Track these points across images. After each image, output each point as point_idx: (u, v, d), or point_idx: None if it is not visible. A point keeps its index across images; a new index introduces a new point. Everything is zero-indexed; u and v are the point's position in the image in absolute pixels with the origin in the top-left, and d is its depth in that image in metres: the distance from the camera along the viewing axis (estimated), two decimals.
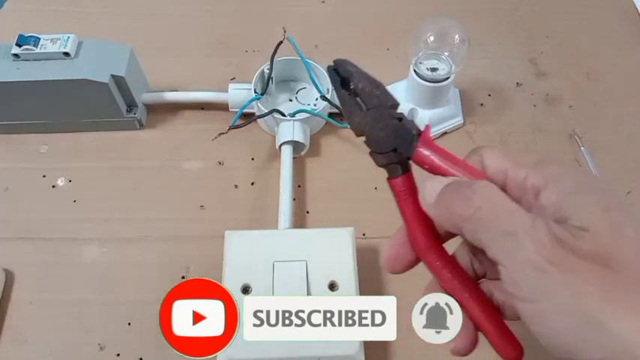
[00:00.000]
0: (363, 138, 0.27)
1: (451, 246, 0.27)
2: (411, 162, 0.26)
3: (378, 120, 0.26)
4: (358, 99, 0.27)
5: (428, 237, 0.26)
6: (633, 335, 0.19)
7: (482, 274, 0.27)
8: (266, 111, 0.50)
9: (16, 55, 0.48)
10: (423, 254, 0.26)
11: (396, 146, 0.26)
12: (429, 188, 0.25)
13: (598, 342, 0.20)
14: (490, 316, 0.25)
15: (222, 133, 0.49)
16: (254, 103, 0.51)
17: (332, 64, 0.28)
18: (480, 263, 0.27)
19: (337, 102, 0.52)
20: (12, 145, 0.53)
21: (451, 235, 0.26)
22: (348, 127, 0.51)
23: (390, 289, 0.45)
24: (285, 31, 0.51)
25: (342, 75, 0.27)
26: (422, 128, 0.26)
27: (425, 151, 0.25)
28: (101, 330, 0.42)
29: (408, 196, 0.26)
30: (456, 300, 0.26)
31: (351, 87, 0.27)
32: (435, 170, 0.25)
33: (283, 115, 0.51)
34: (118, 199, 0.49)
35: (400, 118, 0.26)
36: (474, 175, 0.25)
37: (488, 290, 0.26)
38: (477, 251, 0.26)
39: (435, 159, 0.25)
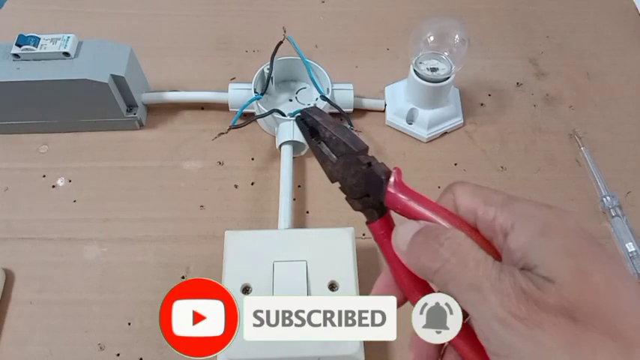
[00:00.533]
0: (337, 184, 0.27)
1: None
2: (385, 209, 0.26)
3: (347, 167, 0.26)
4: (328, 148, 0.27)
5: (412, 277, 0.25)
6: None
7: None
8: (266, 111, 0.50)
9: (16, 55, 0.48)
10: (409, 294, 0.26)
11: (368, 191, 0.26)
12: (400, 235, 0.25)
13: None
14: (479, 354, 0.24)
15: (223, 133, 0.49)
16: (254, 103, 0.51)
17: (300, 115, 0.28)
18: None
19: (337, 102, 0.52)
20: (12, 145, 0.53)
21: None
22: (349, 127, 0.51)
23: None
24: (285, 31, 0.51)
25: (309, 125, 0.28)
26: (392, 168, 0.26)
27: (396, 195, 0.25)
28: (101, 330, 0.42)
29: (386, 238, 0.26)
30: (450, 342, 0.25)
31: (320, 135, 0.27)
32: (407, 213, 0.25)
33: (283, 115, 0.51)
34: (118, 199, 0.49)
35: (369, 162, 0.26)
36: (446, 217, 0.24)
37: None
38: None
39: (407, 202, 0.25)
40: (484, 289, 0.21)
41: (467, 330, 0.25)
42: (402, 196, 0.25)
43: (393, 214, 0.26)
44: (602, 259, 0.21)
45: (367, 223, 0.27)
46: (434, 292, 0.26)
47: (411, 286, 0.26)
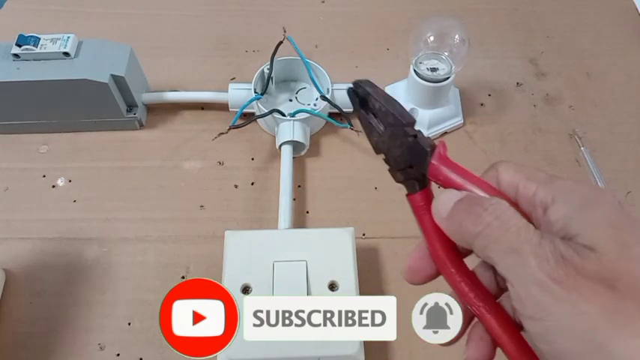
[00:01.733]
0: (382, 156, 0.28)
1: (472, 261, 0.27)
2: (428, 178, 0.27)
3: (394, 138, 0.27)
4: (377, 119, 0.28)
5: (447, 251, 0.26)
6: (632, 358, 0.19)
7: (505, 288, 0.26)
8: (266, 111, 0.50)
9: (16, 55, 0.48)
10: (442, 267, 0.26)
11: (412, 163, 0.27)
12: (442, 202, 0.25)
13: None
14: (508, 330, 0.25)
15: (223, 133, 0.49)
16: (254, 103, 0.51)
17: (352, 85, 0.29)
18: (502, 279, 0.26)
19: (337, 102, 0.52)
20: (12, 145, 0.53)
21: (470, 251, 0.26)
22: (348, 127, 0.51)
23: (390, 289, 0.45)
24: (285, 31, 0.51)
25: (360, 95, 0.28)
26: (434, 141, 0.27)
27: (439, 167, 0.26)
28: (101, 330, 0.42)
29: (426, 211, 0.26)
30: (475, 314, 0.25)
31: (370, 107, 0.28)
32: (449, 185, 0.26)
33: (283, 115, 0.51)
34: (118, 199, 0.49)
35: (415, 135, 0.27)
36: (487, 190, 0.25)
37: (511, 306, 0.26)
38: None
39: (450, 174, 0.26)
40: (524, 253, 0.21)
41: (496, 308, 0.25)
42: (446, 168, 0.26)
43: (434, 188, 0.27)
44: None
45: (407, 195, 0.27)
46: (467, 268, 0.26)
47: (446, 260, 0.26)
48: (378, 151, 0.28)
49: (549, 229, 0.22)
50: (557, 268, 0.20)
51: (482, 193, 0.25)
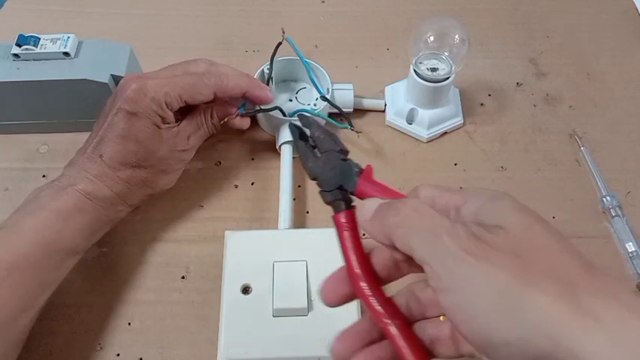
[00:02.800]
0: (317, 180, 0.31)
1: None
2: (354, 202, 0.30)
3: (328, 162, 0.31)
4: (314, 148, 0.32)
5: (364, 268, 0.28)
6: (542, 311, 0.21)
7: (417, 314, 0.29)
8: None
9: (16, 55, 0.48)
10: (356, 283, 0.28)
11: (342, 183, 0.30)
12: (367, 206, 0.28)
13: (512, 319, 0.22)
14: (415, 349, 0.26)
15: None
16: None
17: (292, 122, 0.34)
18: (417, 302, 0.29)
19: (337, 102, 0.52)
20: (12, 145, 0.53)
21: (387, 280, 0.29)
22: (349, 128, 0.51)
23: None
24: (283, 32, 0.51)
25: (302, 128, 0.34)
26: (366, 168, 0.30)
27: (366, 186, 0.29)
28: (101, 330, 0.42)
29: (348, 229, 0.29)
30: (383, 331, 0.27)
31: (309, 137, 0.33)
32: None
33: (284, 114, 0.51)
34: None
35: (345, 159, 0.31)
36: None
37: (423, 331, 0.28)
38: (409, 264, 0.28)
39: (375, 193, 0.29)
40: (439, 234, 0.24)
41: (405, 327, 0.27)
42: (372, 187, 0.29)
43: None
44: (541, 218, 0.25)
45: (333, 215, 0.30)
46: (380, 287, 0.29)
47: (361, 276, 0.28)
48: (312, 175, 0.31)
49: (463, 222, 0.25)
50: (469, 242, 0.23)
51: None
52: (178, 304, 0.44)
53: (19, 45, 0.47)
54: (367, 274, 0.28)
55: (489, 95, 0.58)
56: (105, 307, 0.44)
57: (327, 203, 0.30)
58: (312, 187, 0.51)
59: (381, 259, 0.29)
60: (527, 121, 0.56)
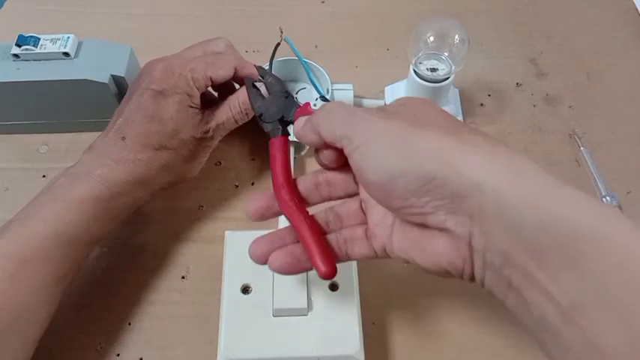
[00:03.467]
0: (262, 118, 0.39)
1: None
2: (290, 132, 0.36)
3: (273, 100, 0.40)
4: (265, 90, 0.41)
5: (287, 181, 0.35)
6: (430, 141, 0.27)
7: (336, 227, 0.35)
8: None
9: (16, 55, 0.48)
10: (278, 189, 0.34)
11: (283, 114, 0.38)
12: (299, 120, 0.34)
13: (407, 151, 0.27)
14: (316, 238, 0.32)
15: None
16: None
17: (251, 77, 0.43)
18: (335, 216, 0.35)
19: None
20: (12, 145, 0.53)
21: (307, 202, 0.35)
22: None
23: (390, 289, 0.45)
24: (282, 32, 0.51)
25: (254, 81, 0.43)
26: None
27: (301, 112, 0.36)
28: (101, 330, 0.42)
29: (280, 151, 0.36)
30: (292, 221, 0.33)
31: (260, 83, 0.42)
32: None
33: None
34: None
35: (287, 96, 0.39)
36: None
37: (339, 235, 0.34)
38: (328, 184, 0.35)
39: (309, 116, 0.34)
40: (355, 111, 0.31)
41: (311, 220, 0.33)
42: (306, 113, 0.35)
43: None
44: (437, 105, 0.32)
45: (269, 139, 0.37)
46: (298, 191, 0.35)
47: (282, 183, 0.35)
48: (258, 112, 0.39)
49: None
50: (378, 112, 0.30)
51: None
52: (178, 304, 0.44)
53: (19, 45, 0.47)
54: (289, 187, 0.34)
55: (489, 95, 0.58)
56: (105, 307, 0.44)
57: (267, 133, 0.37)
58: None
59: (304, 184, 0.35)
60: (527, 121, 0.56)
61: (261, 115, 0.39)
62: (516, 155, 0.26)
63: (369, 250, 0.33)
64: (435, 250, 0.29)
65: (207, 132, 0.44)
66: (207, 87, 0.44)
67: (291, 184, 0.35)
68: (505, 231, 0.25)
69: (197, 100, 0.43)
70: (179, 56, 0.44)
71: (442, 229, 0.28)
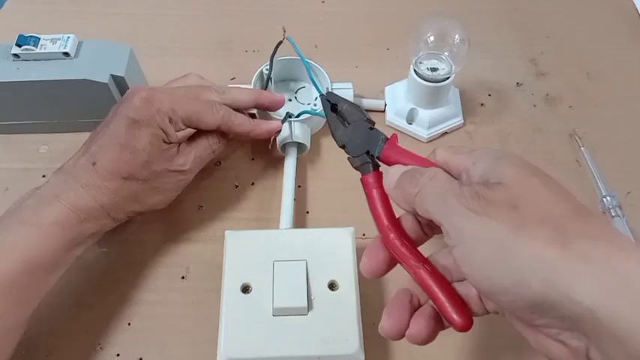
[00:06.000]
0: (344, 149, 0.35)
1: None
2: (380, 164, 0.33)
3: (356, 129, 0.35)
4: (344, 119, 0.36)
5: (392, 221, 0.32)
6: (534, 257, 0.24)
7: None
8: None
9: (16, 55, 0.48)
10: (386, 234, 0.31)
11: (368, 149, 0.33)
12: (391, 174, 0.31)
13: (508, 266, 0.24)
14: (443, 287, 0.29)
15: None
16: None
17: (323, 95, 0.37)
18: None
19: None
20: (12, 145, 0.53)
21: (416, 243, 0.32)
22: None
23: (390, 289, 0.45)
24: (284, 31, 0.51)
25: (332, 101, 0.37)
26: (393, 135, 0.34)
27: (390, 151, 0.33)
28: (101, 330, 0.42)
29: (375, 187, 0.32)
30: (412, 273, 0.30)
31: (338, 110, 0.36)
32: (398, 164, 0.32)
33: (290, 116, 0.50)
34: None
35: (372, 128, 0.34)
36: (427, 165, 0.31)
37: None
38: (432, 227, 0.32)
39: (399, 157, 0.32)
40: (448, 196, 0.27)
41: (432, 268, 0.30)
42: (395, 152, 0.33)
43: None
44: (540, 171, 0.27)
45: (361, 177, 0.33)
46: (406, 234, 0.31)
47: (389, 226, 0.31)
48: (340, 142, 0.35)
49: (471, 183, 0.28)
50: (472, 201, 0.26)
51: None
52: (178, 304, 0.44)
53: (19, 45, 0.47)
54: (396, 227, 0.31)
55: (489, 95, 0.58)
56: (105, 307, 0.44)
57: (356, 168, 0.34)
58: (312, 187, 0.51)
59: (408, 224, 0.32)
60: (527, 121, 0.56)
61: (344, 146, 0.35)
62: (636, 267, 0.22)
63: (484, 310, 0.30)
64: (548, 348, 0.26)
65: (183, 165, 0.43)
66: (187, 128, 0.43)
67: (398, 226, 0.32)
68: (628, 357, 0.22)
69: (173, 139, 0.42)
70: (166, 91, 0.43)
71: (556, 340, 0.25)
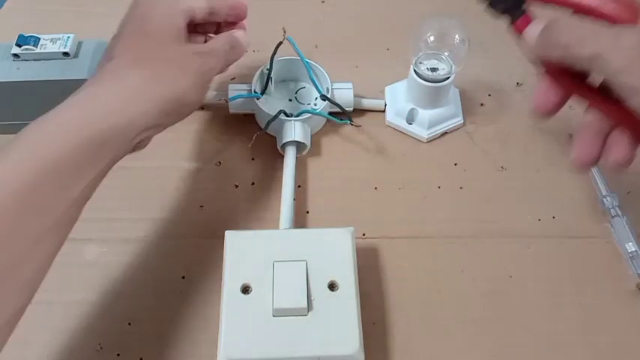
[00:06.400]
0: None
1: None
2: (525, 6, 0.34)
3: None
4: None
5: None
6: None
7: None
8: (265, 110, 0.50)
9: (16, 55, 0.48)
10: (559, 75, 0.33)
11: None
12: (528, 35, 0.33)
13: None
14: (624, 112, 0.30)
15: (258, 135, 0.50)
16: (255, 104, 0.52)
17: None
18: None
19: (337, 100, 0.52)
20: None
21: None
22: (349, 122, 0.51)
23: (390, 289, 0.45)
24: (284, 32, 0.51)
25: None
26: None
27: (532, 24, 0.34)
28: (101, 330, 0.42)
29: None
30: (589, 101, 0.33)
31: None
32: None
33: (287, 115, 0.51)
34: (118, 199, 0.49)
35: None
36: None
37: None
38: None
39: None
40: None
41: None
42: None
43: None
44: None
45: (511, 23, 0.34)
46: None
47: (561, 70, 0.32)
48: None
49: None
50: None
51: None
52: (178, 304, 0.44)
53: (19, 45, 0.47)
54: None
55: (489, 95, 0.58)
56: (105, 307, 0.44)
57: (502, 12, 0.35)
58: (312, 187, 0.51)
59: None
60: (527, 121, 0.56)
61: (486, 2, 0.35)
62: None
63: None
64: None
65: (198, 49, 0.42)
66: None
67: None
68: None
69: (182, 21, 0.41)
70: None
71: None
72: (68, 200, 0.34)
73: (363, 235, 0.47)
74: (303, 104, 0.55)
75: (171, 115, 0.40)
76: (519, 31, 0.34)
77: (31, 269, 0.33)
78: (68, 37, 0.48)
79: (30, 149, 0.34)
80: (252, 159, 0.52)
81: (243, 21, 0.48)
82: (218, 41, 0.44)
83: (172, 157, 0.52)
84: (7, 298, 0.31)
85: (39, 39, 0.48)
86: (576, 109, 0.57)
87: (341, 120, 0.51)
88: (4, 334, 0.32)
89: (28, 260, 0.32)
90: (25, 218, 0.32)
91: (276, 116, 0.49)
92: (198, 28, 0.47)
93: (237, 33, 0.46)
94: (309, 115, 0.51)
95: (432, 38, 0.50)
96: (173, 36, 0.40)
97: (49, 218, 0.33)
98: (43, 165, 0.33)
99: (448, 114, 0.54)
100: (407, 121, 0.54)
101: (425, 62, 0.51)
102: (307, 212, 0.49)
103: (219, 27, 0.48)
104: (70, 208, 0.34)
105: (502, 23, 0.37)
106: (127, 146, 0.37)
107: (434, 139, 0.54)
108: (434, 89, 0.51)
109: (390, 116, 0.55)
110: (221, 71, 0.44)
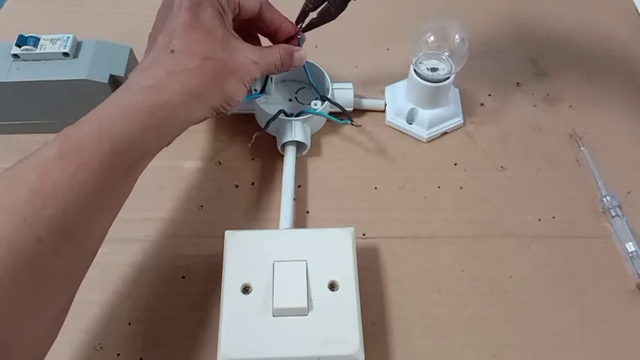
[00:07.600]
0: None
1: None
2: None
3: None
4: None
5: None
6: None
7: None
8: (265, 110, 0.50)
9: (15, 56, 0.48)
10: None
11: None
12: None
13: None
14: None
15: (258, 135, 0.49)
16: (254, 103, 0.52)
17: None
18: None
19: (337, 100, 0.52)
20: (12, 145, 0.53)
21: None
22: (349, 122, 0.51)
23: (390, 289, 0.45)
24: None
25: None
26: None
27: None
28: (101, 330, 0.42)
29: None
30: None
31: None
32: None
33: (287, 115, 0.51)
34: None
35: None
36: None
37: None
38: None
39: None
40: None
41: None
42: None
43: None
44: None
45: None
46: None
47: None
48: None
49: None
50: None
51: None
52: (178, 304, 0.44)
53: (18, 45, 0.47)
54: None
55: (489, 95, 0.58)
56: (105, 307, 0.44)
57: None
58: (312, 187, 0.51)
59: None
60: (527, 121, 0.56)
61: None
62: None
63: None
64: None
65: (250, 56, 0.43)
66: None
67: None
68: None
69: (230, 19, 0.43)
70: None
71: None
72: (132, 181, 0.38)
73: (363, 235, 0.47)
74: (303, 104, 0.55)
75: (218, 111, 0.42)
76: None
77: (96, 240, 0.36)
78: (68, 38, 0.48)
79: (102, 126, 0.35)
80: (252, 159, 0.52)
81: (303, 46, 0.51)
82: (276, 48, 0.47)
83: (172, 157, 0.52)
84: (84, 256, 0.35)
85: (39, 39, 0.48)
86: (576, 109, 0.57)
87: (341, 120, 0.51)
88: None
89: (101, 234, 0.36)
90: (103, 194, 0.34)
91: (276, 116, 0.50)
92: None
93: (295, 48, 0.49)
94: (309, 115, 0.51)
95: (432, 38, 0.50)
96: (226, 32, 0.42)
97: (119, 194, 0.37)
98: (114, 144, 0.34)
99: (448, 114, 0.54)
100: (407, 121, 0.54)
101: (425, 62, 0.51)
102: (307, 212, 0.49)
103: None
104: (129, 189, 0.39)
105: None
106: (173, 138, 0.40)
107: (434, 139, 0.54)
108: (434, 89, 0.51)
109: (390, 116, 0.55)
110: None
